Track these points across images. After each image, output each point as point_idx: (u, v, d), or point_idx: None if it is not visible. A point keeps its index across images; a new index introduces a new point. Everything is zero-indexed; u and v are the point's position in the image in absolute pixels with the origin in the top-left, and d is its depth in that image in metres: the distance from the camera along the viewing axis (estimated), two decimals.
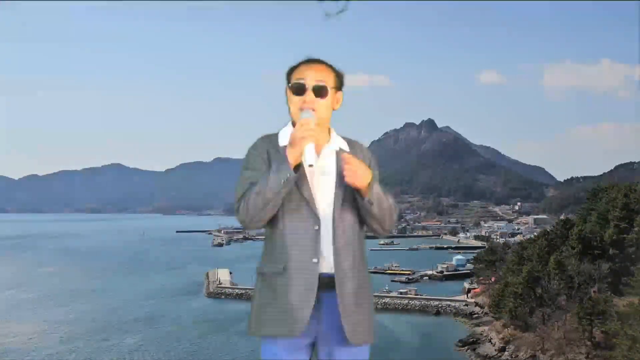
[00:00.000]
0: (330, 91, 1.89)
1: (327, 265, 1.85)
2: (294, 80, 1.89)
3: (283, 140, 1.88)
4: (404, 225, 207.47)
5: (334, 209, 1.86)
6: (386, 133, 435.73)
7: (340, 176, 1.86)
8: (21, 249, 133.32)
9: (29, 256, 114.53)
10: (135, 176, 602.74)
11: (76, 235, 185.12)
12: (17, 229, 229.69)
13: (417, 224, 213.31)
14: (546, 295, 41.85)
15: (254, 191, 1.77)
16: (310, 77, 1.87)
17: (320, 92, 1.87)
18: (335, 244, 1.85)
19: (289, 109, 1.92)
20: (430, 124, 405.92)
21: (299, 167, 1.79)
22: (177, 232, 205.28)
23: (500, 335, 44.75)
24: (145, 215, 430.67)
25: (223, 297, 66.58)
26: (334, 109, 1.94)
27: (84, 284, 75.70)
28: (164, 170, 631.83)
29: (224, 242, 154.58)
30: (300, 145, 1.76)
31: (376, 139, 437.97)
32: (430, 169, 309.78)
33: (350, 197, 1.88)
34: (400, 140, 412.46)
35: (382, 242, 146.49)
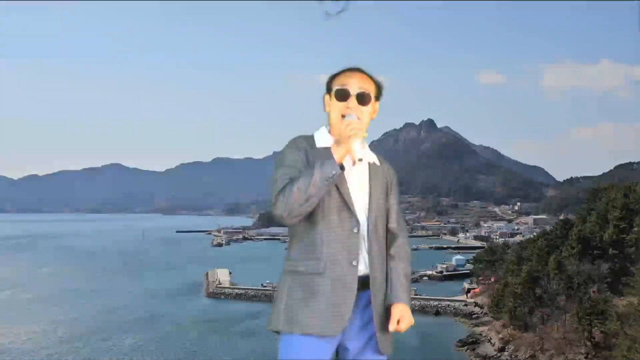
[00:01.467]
0: (372, 100, 1.95)
1: (362, 269, 1.89)
2: (337, 86, 1.92)
3: (320, 142, 1.92)
4: None
5: (368, 215, 1.90)
6: (386, 133, 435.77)
7: (373, 186, 1.93)
8: (21, 249, 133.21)
9: (29, 256, 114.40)
10: (135, 176, 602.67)
11: (76, 235, 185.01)
12: (17, 229, 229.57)
13: (416, 224, 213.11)
14: (546, 296, 41.88)
15: (295, 186, 1.76)
16: (354, 84, 1.91)
17: (363, 99, 1.91)
18: (371, 251, 1.89)
19: (329, 115, 1.96)
20: (429, 124, 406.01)
21: (342, 167, 1.82)
22: (176, 232, 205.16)
23: (500, 336, 44.78)
24: (144, 215, 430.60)
25: (223, 297, 66.56)
26: (372, 118, 1.98)
27: (83, 284, 75.64)
28: (163, 170, 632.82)
29: (224, 242, 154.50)
30: (347, 143, 1.80)
31: (376, 138, 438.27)
32: (430, 169, 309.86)
33: (383, 208, 1.95)
34: (400, 140, 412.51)
35: None
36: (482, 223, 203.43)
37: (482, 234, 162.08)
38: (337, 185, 1.85)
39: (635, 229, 42.10)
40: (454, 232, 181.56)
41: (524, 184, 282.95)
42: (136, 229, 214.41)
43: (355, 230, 1.85)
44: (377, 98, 1.98)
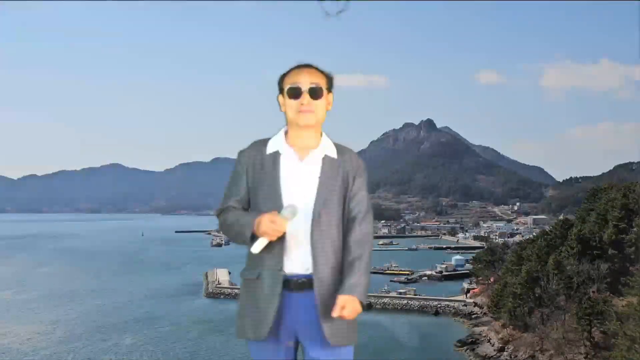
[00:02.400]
0: (324, 92, 1.98)
1: (302, 267, 1.93)
2: (289, 85, 1.95)
3: (271, 148, 1.98)
4: (403, 225, 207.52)
5: (313, 214, 1.92)
6: (385, 133, 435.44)
7: (322, 181, 1.94)
8: (20, 249, 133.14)
9: (28, 256, 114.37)
10: (135, 176, 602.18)
11: (75, 235, 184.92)
12: (16, 229, 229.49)
13: (416, 224, 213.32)
14: (545, 296, 41.87)
15: (227, 221, 1.97)
16: (305, 80, 1.95)
17: (316, 93, 1.95)
18: (314, 249, 1.92)
19: (285, 114, 1.99)
20: (429, 124, 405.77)
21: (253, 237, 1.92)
22: (176, 232, 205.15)
23: (499, 336, 44.80)
24: (144, 215, 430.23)
25: (222, 297, 66.53)
26: (327, 110, 2.01)
27: (83, 284, 75.63)
28: (163, 170, 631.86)
29: (223, 242, 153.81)
30: (261, 235, 1.87)
31: (375, 139, 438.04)
32: (430, 169, 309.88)
33: (335, 200, 1.95)
34: (400, 140, 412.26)
35: (381, 242, 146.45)
36: (481, 223, 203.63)
37: (482, 234, 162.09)
38: (272, 189, 1.93)
39: (635, 229, 42.10)
40: (453, 232, 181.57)
41: (524, 184, 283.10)
42: (135, 228, 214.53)
43: (287, 235, 1.91)
44: (330, 90, 2.01)
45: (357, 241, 1.93)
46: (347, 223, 1.97)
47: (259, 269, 1.96)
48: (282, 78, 1.99)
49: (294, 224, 1.88)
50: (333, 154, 1.99)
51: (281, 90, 1.99)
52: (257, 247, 1.89)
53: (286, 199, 1.91)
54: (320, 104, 1.96)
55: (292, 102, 1.95)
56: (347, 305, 1.81)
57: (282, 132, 2.01)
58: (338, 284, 1.91)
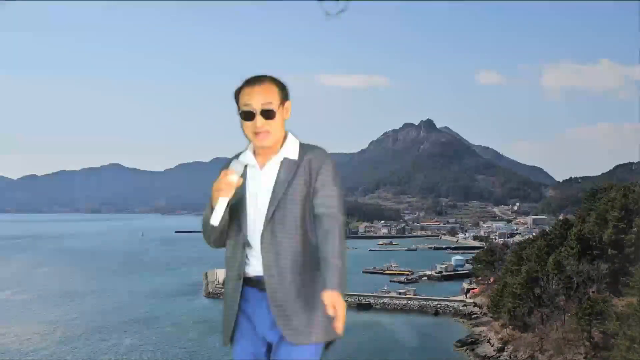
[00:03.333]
0: (278, 109, 1.96)
1: (262, 269, 1.97)
2: (242, 107, 1.95)
3: (235, 163, 2.02)
4: (402, 225, 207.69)
5: (266, 216, 1.96)
6: (385, 133, 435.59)
7: (276, 183, 1.97)
8: (20, 249, 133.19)
9: (28, 256, 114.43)
10: (134, 176, 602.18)
11: (75, 235, 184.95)
12: (16, 229, 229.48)
13: (415, 224, 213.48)
14: (545, 296, 41.89)
15: (202, 223, 2.03)
16: (256, 100, 1.94)
17: (268, 115, 1.94)
18: (263, 249, 1.96)
19: (244, 132, 2.00)
20: (429, 124, 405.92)
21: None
22: (176, 232, 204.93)
23: (499, 336, 44.82)
24: (144, 215, 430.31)
25: (222, 297, 65.81)
26: (285, 119, 2.01)
27: (82, 284, 75.64)
28: (162, 170, 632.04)
29: None
30: (215, 196, 1.94)
31: (375, 139, 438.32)
32: (429, 169, 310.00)
33: (295, 200, 1.95)
34: (399, 140, 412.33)
35: (381, 242, 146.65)
36: (481, 223, 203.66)
37: (481, 234, 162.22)
38: (238, 204, 2.00)
39: (634, 229, 42.13)
40: (453, 232, 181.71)
41: (523, 184, 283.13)
42: (135, 229, 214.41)
43: (243, 241, 2.00)
44: (286, 98, 2.00)
45: (324, 235, 1.90)
46: (313, 219, 1.96)
47: (226, 278, 2.06)
48: (237, 96, 1.98)
49: (250, 227, 1.98)
50: (294, 155, 2.00)
51: (238, 108, 1.98)
52: (215, 215, 1.94)
53: (250, 207, 1.99)
54: (275, 123, 1.95)
55: (247, 124, 1.96)
56: (335, 301, 1.78)
57: (250, 150, 2.04)
58: (298, 282, 1.93)
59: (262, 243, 1.95)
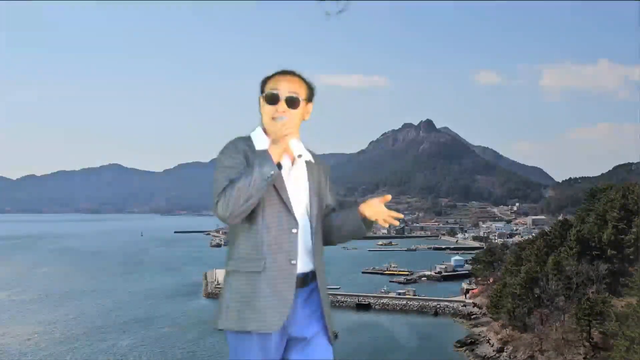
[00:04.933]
0: (302, 103, 1.99)
1: (301, 266, 1.95)
2: (267, 90, 1.97)
3: (258, 143, 1.96)
4: (402, 225, 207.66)
5: (310, 215, 1.98)
6: (384, 133, 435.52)
7: (312, 185, 2.01)
8: (19, 249, 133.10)
9: (28, 256, 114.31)
10: (134, 176, 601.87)
11: (74, 235, 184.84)
12: (16, 229, 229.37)
13: (415, 224, 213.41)
14: (544, 296, 41.89)
15: (235, 187, 1.81)
16: (284, 87, 1.96)
17: (292, 102, 1.96)
18: (314, 248, 1.98)
19: (261, 116, 2.00)
20: (428, 124, 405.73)
21: (279, 166, 1.88)
22: (175, 232, 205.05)
23: (499, 336, 44.82)
24: (143, 215, 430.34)
25: None
26: (304, 119, 2.03)
27: (82, 284, 75.59)
28: (162, 170, 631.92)
29: (222, 242, 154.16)
30: (284, 142, 1.89)
31: (375, 139, 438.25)
32: (429, 169, 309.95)
33: (320, 206, 2.03)
34: (399, 140, 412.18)
35: (380, 242, 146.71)
36: (480, 223, 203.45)
37: (481, 234, 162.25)
38: (276, 185, 1.90)
39: (634, 229, 42.14)
40: (452, 233, 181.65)
41: (523, 185, 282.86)
42: (135, 229, 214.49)
43: (294, 231, 1.92)
44: (310, 99, 2.03)
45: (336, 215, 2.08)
46: (324, 217, 2.07)
47: (262, 262, 1.90)
48: (265, 81, 2.00)
49: (300, 224, 1.94)
50: (312, 159, 2.06)
51: (262, 92, 2.00)
52: (296, 147, 1.99)
53: (293, 196, 1.95)
54: (295, 113, 1.96)
55: (268, 108, 1.96)
56: (375, 202, 2.01)
57: (260, 130, 2.00)
58: (324, 287, 2.03)
59: (313, 240, 1.98)
